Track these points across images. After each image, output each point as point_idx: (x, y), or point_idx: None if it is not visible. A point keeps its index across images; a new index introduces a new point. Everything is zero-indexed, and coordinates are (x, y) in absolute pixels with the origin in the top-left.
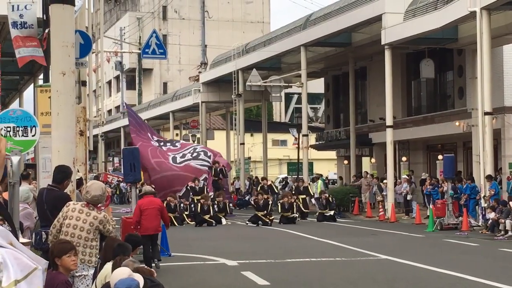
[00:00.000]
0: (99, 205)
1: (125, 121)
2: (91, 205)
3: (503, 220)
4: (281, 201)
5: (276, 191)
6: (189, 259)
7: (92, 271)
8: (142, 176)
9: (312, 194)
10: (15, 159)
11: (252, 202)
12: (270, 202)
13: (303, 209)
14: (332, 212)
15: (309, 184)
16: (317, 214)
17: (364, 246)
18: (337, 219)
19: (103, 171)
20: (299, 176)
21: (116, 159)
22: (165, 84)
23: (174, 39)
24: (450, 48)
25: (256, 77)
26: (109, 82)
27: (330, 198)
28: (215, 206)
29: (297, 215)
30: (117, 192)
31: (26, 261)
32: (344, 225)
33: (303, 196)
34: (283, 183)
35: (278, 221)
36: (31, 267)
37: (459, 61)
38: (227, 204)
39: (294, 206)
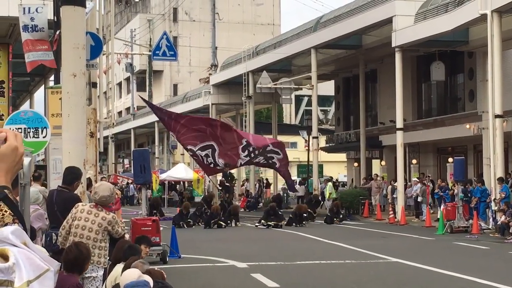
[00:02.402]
0: (109, 206)
1: (135, 123)
2: (100, 206)
3: None
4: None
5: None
6: (199, 261)
7: (101, 272)
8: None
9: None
10: (26, 160)
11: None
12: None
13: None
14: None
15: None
16: (325, 217)
17: (374, 248)
18: (346, 221)
19: (113, 172)
20: (314, 194)
21: (126, 161)
22: (175, 86)
23: (184, 41)
24: (461, 50)
25: (266, 79)
26: (120, 84)
27: (341, 206)
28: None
29: (305, 215)
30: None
31: (38, 262)
32: (354, 227)
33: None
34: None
35: (285, 223)
36: (43, 268)
37: (470, 63)
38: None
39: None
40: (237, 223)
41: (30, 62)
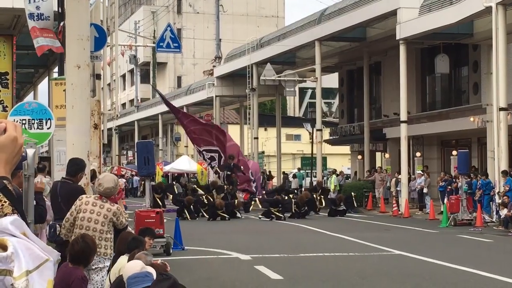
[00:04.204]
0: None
1: (139, 115)
2: (104, 197)
3: None
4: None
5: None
6: (203, 253)
7: (108, 263)
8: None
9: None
10: (30, 151)
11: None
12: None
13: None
14: (342, 207)
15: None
16: (329, 209)
17: (377, 241)
18: (349, 214)
19: (117, 164)
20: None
21: (130, 153)
22: (179, 78)
23: (188, 33)
24: (466, 43)
25: (270, 72)
26: (123, 76)
27: (344, 200)
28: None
29: (306, 208)
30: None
31: (37, 252)
32: (357, 220)
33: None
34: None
35: (289, 215)
36: (43, 258)
37: (474, 56)
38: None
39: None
40: (241, 215)
41: (39, 46)
